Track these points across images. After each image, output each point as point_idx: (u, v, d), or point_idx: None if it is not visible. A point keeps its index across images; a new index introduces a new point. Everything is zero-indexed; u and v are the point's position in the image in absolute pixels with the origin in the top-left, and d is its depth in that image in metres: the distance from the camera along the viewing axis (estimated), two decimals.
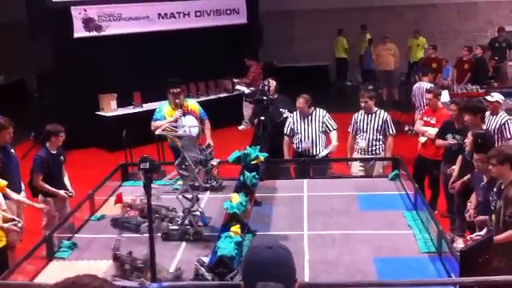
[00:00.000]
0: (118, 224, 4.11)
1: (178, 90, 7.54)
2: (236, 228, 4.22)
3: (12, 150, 6.57)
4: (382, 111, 7.52)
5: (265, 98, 7.31)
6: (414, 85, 10.80)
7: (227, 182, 5.75)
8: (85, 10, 11.40)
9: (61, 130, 6.56)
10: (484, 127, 6.64)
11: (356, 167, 7.30)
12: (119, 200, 4.37)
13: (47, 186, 6.42)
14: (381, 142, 7.39)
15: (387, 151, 7.38)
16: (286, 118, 7.76)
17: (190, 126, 6.06)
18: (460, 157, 6.61)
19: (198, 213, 4.86)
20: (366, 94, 7.53)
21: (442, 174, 7.19)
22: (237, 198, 4.61)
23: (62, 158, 6.65)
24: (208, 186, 5.69)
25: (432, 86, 9.29)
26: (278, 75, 9.25)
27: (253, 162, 5.27)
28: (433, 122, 7.74)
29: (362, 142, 7.42)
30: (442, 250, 4.28)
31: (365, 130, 7.41)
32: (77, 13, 11.31)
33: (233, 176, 5.60)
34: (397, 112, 11.80)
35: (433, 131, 7.54)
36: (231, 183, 5.39)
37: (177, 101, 7.47)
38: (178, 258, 4.40)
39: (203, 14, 13.20)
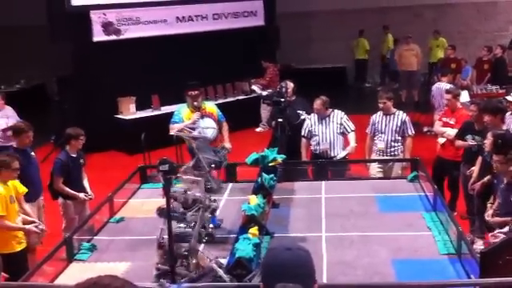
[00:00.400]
0: (164, 214, 4.18)
1: (196, 92, 7.57)
2: (254, 230, 4.23)
3: (32, 153, 6.68)
4: (401, 112, 7.47)
5: (282, 99, 7.34)
6: (433, 85, 10.72)
7: (245, 185, 5.75)
8: (104, 14, 11.51)
9: (81, 133, 6.64)
10: (504, 128, 6.57)
11: (374, 168, 7.26)
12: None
13: (67, 189, 6.50)
14: (399, 143, 7.35)
15: (406, 152, 7.33)
16: (304, 119, 7.75)
17: (204, 127, 6.08)
18: (480, 158, 6.55)
19: (209, 215, 4.85)
20: (384, 95, 7.48)
21: (462, 175, 7.13)
22: (255, 200, 4.61)
23: (81, 161, 6.73)
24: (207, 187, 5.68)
25: (451, 86, 9.21)
26: (296, 77, 9.24)
27: (271, 164, 5.28)
28: (452, 122, 7.67)
29: (380, 144, 7.38)
30: (461, 252, 4.24)
31: (383, 131, 7.37)
32: (96, 17, 11.42)
33: (251, 178, 5.60)
34: (416, 113, 11.72)
35: (452, 132, 7.48)
36: (249, 185, 5.39)
37: (195, 103, 7.49)
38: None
39: (221, 16, 13.26)
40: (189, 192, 4.28)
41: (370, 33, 17.10)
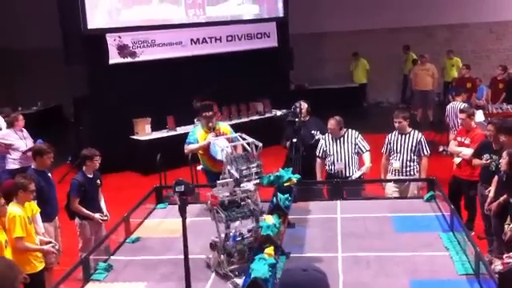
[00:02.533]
0: (232, 218, 4.34)
1: (210, 113, 7.63)
2: (270, 250, 4.22)
3: (49, 174, 6.74)
4: (416, 132, 7.45)
5: (297, 120, 7.36)
6: (447, 105, 10.69)
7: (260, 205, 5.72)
8: (119, 37, 11.67)
9: (96, 153, 6.69)
10: None
11: (390, 188, 7.23)
12: (215, 200, 4.48)
13: (83, 210, 6.54)
14: (415, 163, 7.32)
15: (422, 172, 7.29)
16: (318, 140, 7.76)
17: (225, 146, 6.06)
18: (496, 177, 6.50)
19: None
20: (400, 115, 7.47)
21: (479, 195, 7.07)
22: (270, 220, 4.61)
23: (98, 181, 6.77)
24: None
25: (465, 105, 9.18)
26: (309, 97, 9.23)
27: (286, 184, 5.26)
28: (467, 142, 7.63)
29: (395, 163, 7.35)
30: (480, 272, 4.19)
31: (399, 150, 7.35)
32: (112, 40, 11.58)
33: (266, 198, 5.59)
34: (431, 132, 11.68)
35: (467, 151, 7.44)
36: (264, 205, 5.38)
37: (209, 124, 7.56)
38: (211, 279, 4.41)
39: (234, 38, 13.39)
40: (234, 193, 4.43)
41: (384, 53, 17.13)
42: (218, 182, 4.58)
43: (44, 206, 6.02)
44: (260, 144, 4.92)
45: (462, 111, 8.10)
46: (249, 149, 4.85)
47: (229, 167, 4.71)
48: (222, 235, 4.40)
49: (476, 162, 7.16)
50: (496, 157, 6.73)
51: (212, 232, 4.63)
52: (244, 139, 4.96)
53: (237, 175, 4.69)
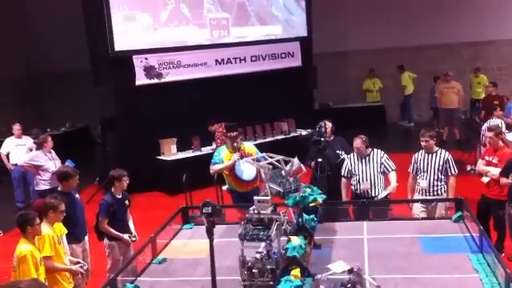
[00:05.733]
0: (247, 238, 4.26)
1: (235, 133, 7.68)
2: (296, 272, 4.21)
3: (77, 195, 6.83)
4: (443, 151, 7.38)
5: (322, 139, 7.36)
6: (474, 123, 10.56)
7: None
8: (146, 59, 11.86)
9: (123, 174, 6.76)
10: None
11: (418, 208, 7.15)
12: (243, 215, 4.48)
13: (112, 230, 6.59)
14: (442, 183, 7.24)
15: (449, 192, 7.20)
16: (343, 159, 7.74)
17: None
18: None
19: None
20: (426, 134, 7.40)
21: (507, 215, 6.96)
22: (296, 241, 4.59)
23: (126, 202, 6.82)
24: None
25: (502, 122, 9.05)
26: (334, 116, 9.22)
27: (311, 205, 5.25)
28: (495, 161, 7.52)
29: (422, 183, 7.28)
30: None
31: (425, 169, 7.28)
32: (138, 61, 11.77)
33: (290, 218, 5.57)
34: (458, 151, 11.55)
35: (495, 171, 7.33)
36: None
37: (234, 144, 7.60)
38: None
39: (259, 58, 13.51)
40: (262, 211, 4.35)
41: (408, 71, 17.10)
42: (256, 198, 4.55)
43: (71, 227, 6.07)
44: (293, 159, 4.90)
45: (489, 130, 7.98)
46: (279, 165, 4.86)
47: (269, 184, 4.70)
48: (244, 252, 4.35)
49: (503, 181, 7.06)
50: None
51: (237, 253, 4.64)
52: (271, 157, 4.96)
53: (280, 189, 4.70)
